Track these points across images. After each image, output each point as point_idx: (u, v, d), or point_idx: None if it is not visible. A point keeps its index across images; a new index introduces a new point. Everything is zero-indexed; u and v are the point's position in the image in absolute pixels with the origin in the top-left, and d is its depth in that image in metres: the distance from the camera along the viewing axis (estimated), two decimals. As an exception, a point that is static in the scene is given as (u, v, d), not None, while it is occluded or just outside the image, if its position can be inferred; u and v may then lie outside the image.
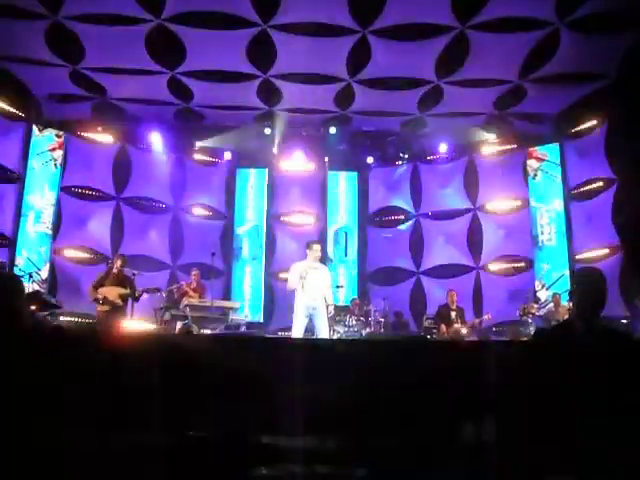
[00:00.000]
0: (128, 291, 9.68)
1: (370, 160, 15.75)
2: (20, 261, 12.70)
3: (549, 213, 13.96)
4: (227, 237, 15.67)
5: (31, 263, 12.45)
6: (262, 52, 11.29)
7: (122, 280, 9.76)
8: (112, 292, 9.55)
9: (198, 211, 15.42)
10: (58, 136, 13.92)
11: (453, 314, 11.62)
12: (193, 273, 12.14)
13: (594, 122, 12.71)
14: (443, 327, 11.59)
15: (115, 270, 9.81)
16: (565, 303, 11.15)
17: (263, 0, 10.00)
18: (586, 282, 3.74)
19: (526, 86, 12.17)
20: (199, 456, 1.95)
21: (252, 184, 16.07)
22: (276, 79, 12.24)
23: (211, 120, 14.38)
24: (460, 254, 14.87)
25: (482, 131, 14.36)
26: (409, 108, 13.42)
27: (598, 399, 2.63)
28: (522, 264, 14.21)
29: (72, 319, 12.51)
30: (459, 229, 15.00)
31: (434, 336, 11.80)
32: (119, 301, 9.62)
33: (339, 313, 11.52)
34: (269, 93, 12.81)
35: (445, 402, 3.96)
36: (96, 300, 9.58)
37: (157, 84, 12.37)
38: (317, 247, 9.19)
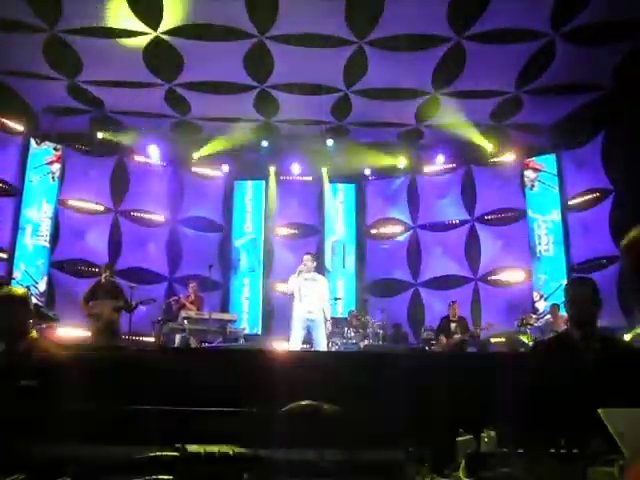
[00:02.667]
0: (121, 303, 9.62)
1: (367, 172, 15.77)
2: (17, 274, 12.66)
3: (546, 224, 13.97)
4: (225, 249, 15.66)
5: (29, 276, 12.43)
6: (259, 63, 11.32)
7: (112, 290, 9.69)
8: (106, 308, 9.44)
9: (196, 224, 15.39)
10: (56, 149, 13.91)
11: (453, 325, 11.65)
12: (191, 285, 12.13)
13: (590, 132, 12.72)
14: (442, 339, 11.60)
15: (104, 280, 9.74)
16: (563, 313, 11.13)
17: (260, 12, 10.03)
18: (578, 292, 3.74)
19: (522, 97, 12.21)
20: (192, 469, 1.93)
21: (250, 196, 16.08)
22: (273, 90, 12.27)
23: (209, 132, 14.39)
24: (458, 265, 14.86)
25: (479, 142, 14.36)
26: (406, 119, 13.46)
27: (597, 408, 2.61)
28: (520, 275, 14.19)
29: (70, 332, 12.45)
30: (457, 240, 15.00)
31: (433, 348, 11.80)
32: (114, 316, 9.55)
33: (337, 325, 11.50)
34: (266, 104, 12.83)
35: (445, 413, 3.94)
36: (90, 316, 9.49)
37: (155, 96, 12.40)
38: (306, 257, 9.28)
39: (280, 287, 14.01)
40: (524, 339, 11.44)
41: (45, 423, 2.65)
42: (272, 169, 15.55)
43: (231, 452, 1.97)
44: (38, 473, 2.03)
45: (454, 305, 11.97)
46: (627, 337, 10.23)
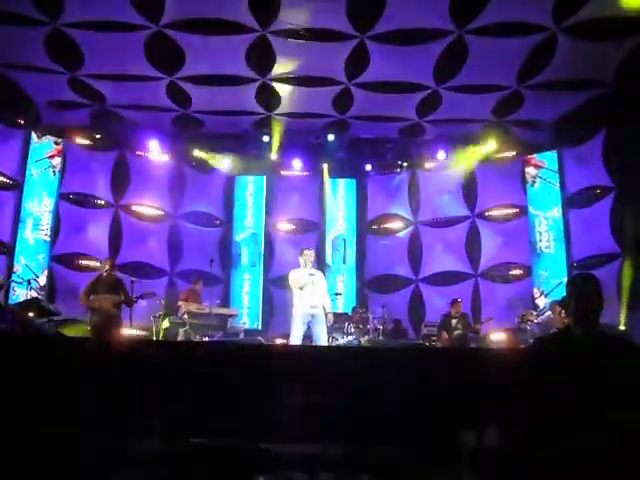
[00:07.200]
0: (122, 298, 9.59)
1: (368, 167, 15.75)
2: (18, 268, 12.67)
3: (547, 220, 13.96)
4: (225, 244, 15.66)
5: (29, 270, 12.43)
6: (261, 57, 11.29)
7: (113, 284, 9.64)
8: (106, 301, 9.38)
9: (196, 218, 15.38)
10: (57, 143, 13.90)
11: (454, 321, 11.71)
12: (200, 282, 12.26)
13: (592, 129, 12.70)
14: (444, 334, 11.67)
15: (105, 274, 9.71)
16: (563, 310, 11.11)
17: (262, 7, 10.01)
18: (581, 288, 3.73)
19: (524, 93, 12.17)
20: (199, 463, 1.94)
21: (250, 191, 16.07)
22: (274, 82, 12.25)
23: (210, 127, 14.37)
24: (459, 261, 14.86)
25: (480, 138, 14.35)
26: (407, 114, 13.43)
27: (598, 405, 2.63)
28: (520, 271, 14.21)
29: (70, 326, 12.44)
30: (457, 236, 15.00)
31: (434, 344, 11.86)
32: (114, 310, 9.51)
33: (337, 320, 11.52)
34: (267, 97, 12.80)
35: (445, 409, 3.94)
36: (91, 310, 9.45)
37: (156, 90, 12.37)
38: (307, 252, 9.27)
39: (280, 282, 14.07)
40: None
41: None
42: (273, 164, 15.52)
43: (235, 446, 1.97)
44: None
45: (457, 303, 12.02)
46: None
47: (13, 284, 12.04)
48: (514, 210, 14.57)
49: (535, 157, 14.37)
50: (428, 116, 13.47)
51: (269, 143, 14.77)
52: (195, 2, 10.03)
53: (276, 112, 13.57)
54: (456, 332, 11.56)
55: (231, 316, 12.32)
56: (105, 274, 9.71)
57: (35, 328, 9.02)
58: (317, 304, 8.90)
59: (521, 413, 3.40)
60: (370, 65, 11.46)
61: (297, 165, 15.53)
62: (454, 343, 11.42)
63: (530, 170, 14.42)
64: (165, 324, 11.02)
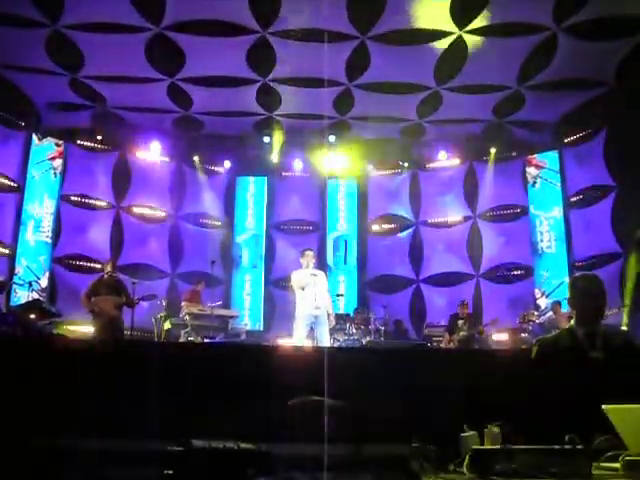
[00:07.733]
0: (123, 299, 9.59)
1: (369, 168, 15.74)
2: (19, 270, 12.67)
3: (548, 220, 13.95)
4: (227, 245, 15.63)
5: (30, 272, 12.43)
6: (261, 58, 11.32)
7: (115, 286, 9.64)
8: (107, 303, 9.38)
9: (197, 219, 15.38)
10: (58, 145, 13.92)
11: (460, 322, 11.73)
12: (202, 283, 12.30)
13: (593, 129, 12.71)
14: (446, 335, 11.68)
15: (106, 276, 9.71)
16: (565, 310, 11.12)
17: (262, 8, 10.02)
18: (584, 288, 3.72)
19: (525, 93, 12.18)
20: (199, 463, 1.94)
21: (251, 192, 16.07)
22: (275, 83, 12.27)
23: (210, 128, 14.38)
24: (460, 262, 14.84)
25: (481, 138, 14.34)
26: (408, 114, 13.44)
27: (599, 405, 2.61)
28: (522, 272, 14.19)
29: (72, 328, 12.44)
30: (459, 237, 14.98)
31: (440, 345, 11.87)
32: (115, 312, 9.51)
33: (339, 321, 11.51)
34: (268, 98, 12.81)
35: (446, 409, 3.94)
36: (92, 311, 9.44)
37: (156, 91, 12.38)
38: (309, 253, 9.30)
39: (282, 284, 14.08)
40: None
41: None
42: (274, 165, 15.51)
43: (236, 447, 1.97)
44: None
45: (464, 304, 12.05)
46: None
47: (15, 286, 12.04)
48: (515, 210, 14.55)
49: (536, 157, 14.37)
50: (428, 116, 13.48)
51: (270, 144, 14.78)
52: (196, 3, 10.04)
53: (277, 113, 13.59)
54: (461, 333, 11.57)
55: (232, 317, 12.31)
56: (106, 276, 9.72)
57: (37, 330, 9.03)
58: (320, 305, 8.92)
59: (523, 413, 3.39)
60: (370, 65, 11.47)
61: (298, 166, 15.53)
62: (460, 344, 11.44)
63: (531, 170, 14.42)
64: (167, 325, 11.02)
